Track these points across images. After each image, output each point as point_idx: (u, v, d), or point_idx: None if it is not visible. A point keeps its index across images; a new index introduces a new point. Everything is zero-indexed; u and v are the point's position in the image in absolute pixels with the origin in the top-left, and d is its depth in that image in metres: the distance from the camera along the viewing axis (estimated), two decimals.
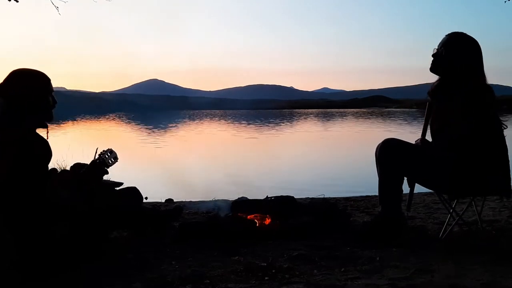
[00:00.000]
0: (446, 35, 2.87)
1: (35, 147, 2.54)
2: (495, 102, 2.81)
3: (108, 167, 2.88)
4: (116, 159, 2.96)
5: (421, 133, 2.99)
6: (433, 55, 2.88)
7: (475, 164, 2.68)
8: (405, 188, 2.92)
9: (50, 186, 2.57)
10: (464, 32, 2.86)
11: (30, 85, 2.66)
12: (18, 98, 2.63)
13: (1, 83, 2.67)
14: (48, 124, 2.78)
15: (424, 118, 3.02)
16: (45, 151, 2.69)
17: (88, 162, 2.88)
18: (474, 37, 2.82)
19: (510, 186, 2.76)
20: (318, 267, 2.38)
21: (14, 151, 2.56)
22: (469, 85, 2.73)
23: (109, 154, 2.91)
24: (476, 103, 2.67)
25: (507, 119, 2.91)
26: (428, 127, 2.97)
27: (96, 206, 2.72)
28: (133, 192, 3.09)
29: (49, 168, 2.82)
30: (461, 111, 2.69)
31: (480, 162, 2.68)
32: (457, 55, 2.80)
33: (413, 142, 2.93)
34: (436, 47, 2.87)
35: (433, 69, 2.91)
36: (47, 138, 2.78)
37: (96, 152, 2.89)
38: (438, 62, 2.87)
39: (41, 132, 2.79)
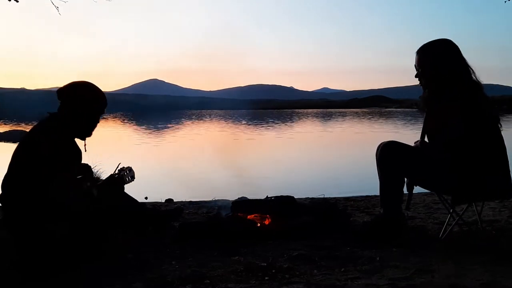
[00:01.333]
0: (416, 53, 2.86)
1: (38, 147, 2.54)
2: (487, 101, 2.76)
3: (124, 184, 3.01)
4: (133, 178, 3.11)
5: (420, 135, 2.99)
6: (415, 76, 2.90)
7: (471, 164, 2.68)
8: (405, 189, 2.92)
9: (56, 187, 2.57)
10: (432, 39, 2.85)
11: (85, 98, 2.73)
12: (68, 104, 2.71)
13: (64, 85, 2.76)
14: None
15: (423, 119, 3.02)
16: (54, 153, 2.66)
17: (88, 162, 2.90)
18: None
19: (511, 186, 2.75)
20: (318, 267, 2.38)
21: (20, 152, 2.58)
22: (453, 91, 2.73)
23: (128, 172, 3.07)
24: (462, 106, 2.66)
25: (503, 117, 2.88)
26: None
27: (96, 206, 2.72)
28: (140, 206, 3.13)
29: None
30: (449, 115, 2.69)
31: (476, 162, 2.68)
32: (434, 68, 2.79)
33: (413, 144, 2.93)
34: (415, 66, 2.88)
35: (424, 87, 2.91)
36: (85, 150, 2.84)
37: (117, 167, 3.02)
38: (421, 82, 2.89)
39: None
